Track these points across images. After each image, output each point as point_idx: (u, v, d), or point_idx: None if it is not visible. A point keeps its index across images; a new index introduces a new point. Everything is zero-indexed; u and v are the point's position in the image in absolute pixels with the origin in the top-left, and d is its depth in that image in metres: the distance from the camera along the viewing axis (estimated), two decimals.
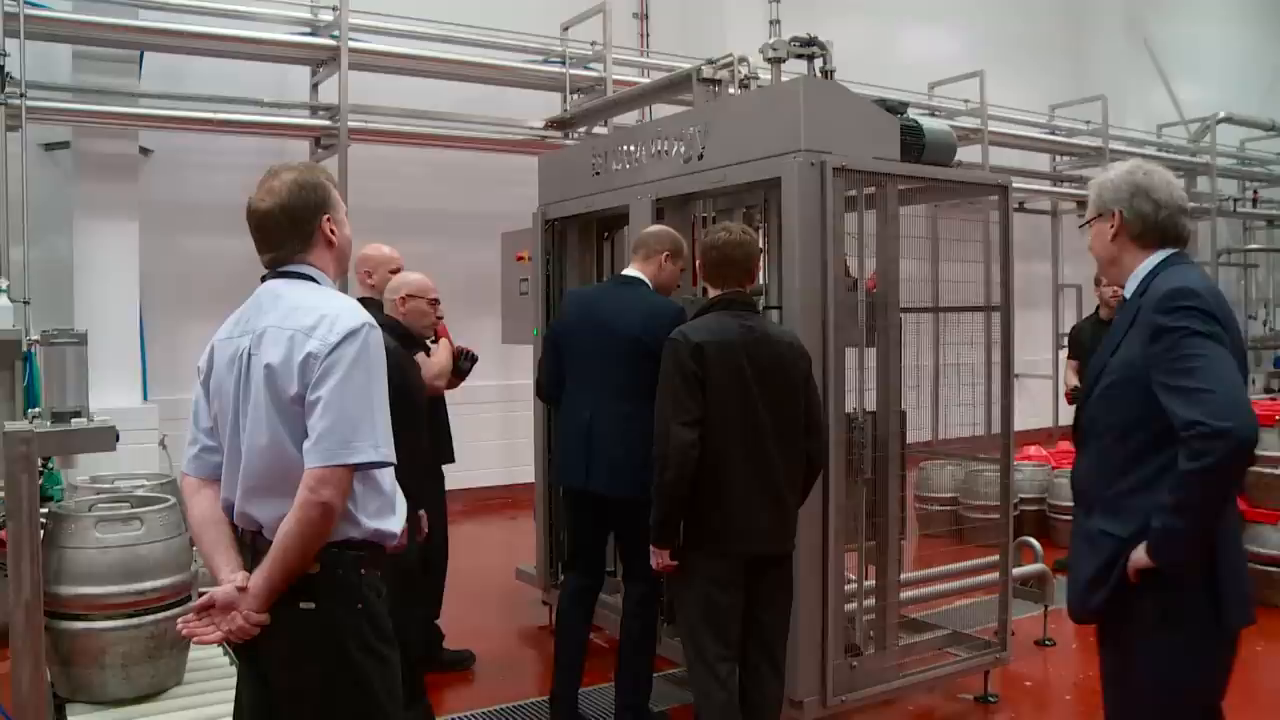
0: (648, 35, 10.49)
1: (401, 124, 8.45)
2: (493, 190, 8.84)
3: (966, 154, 9.96)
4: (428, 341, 4.60)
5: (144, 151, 7.72)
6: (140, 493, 4.17)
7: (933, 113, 10.93)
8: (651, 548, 3.34)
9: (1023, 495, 7.64)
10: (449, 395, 4.91)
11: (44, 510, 3.72)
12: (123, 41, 7.30)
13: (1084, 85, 12.95)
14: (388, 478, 2.41)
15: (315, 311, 2.29)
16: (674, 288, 4.24)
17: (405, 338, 4.04)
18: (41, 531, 3.63)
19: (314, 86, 8.31)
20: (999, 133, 11.70)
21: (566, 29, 9.20)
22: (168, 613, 3.73)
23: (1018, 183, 11.29)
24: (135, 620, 3.68)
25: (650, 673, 4.09)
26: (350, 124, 7.93)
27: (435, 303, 4.44)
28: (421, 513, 3.88)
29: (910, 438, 4.45)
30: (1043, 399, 12.36)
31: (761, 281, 4.31)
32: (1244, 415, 2.28)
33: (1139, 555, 2.42)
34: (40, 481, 3.82)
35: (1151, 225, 2.61)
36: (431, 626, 4.96)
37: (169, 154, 8.03)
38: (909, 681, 4.27)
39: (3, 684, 3.72)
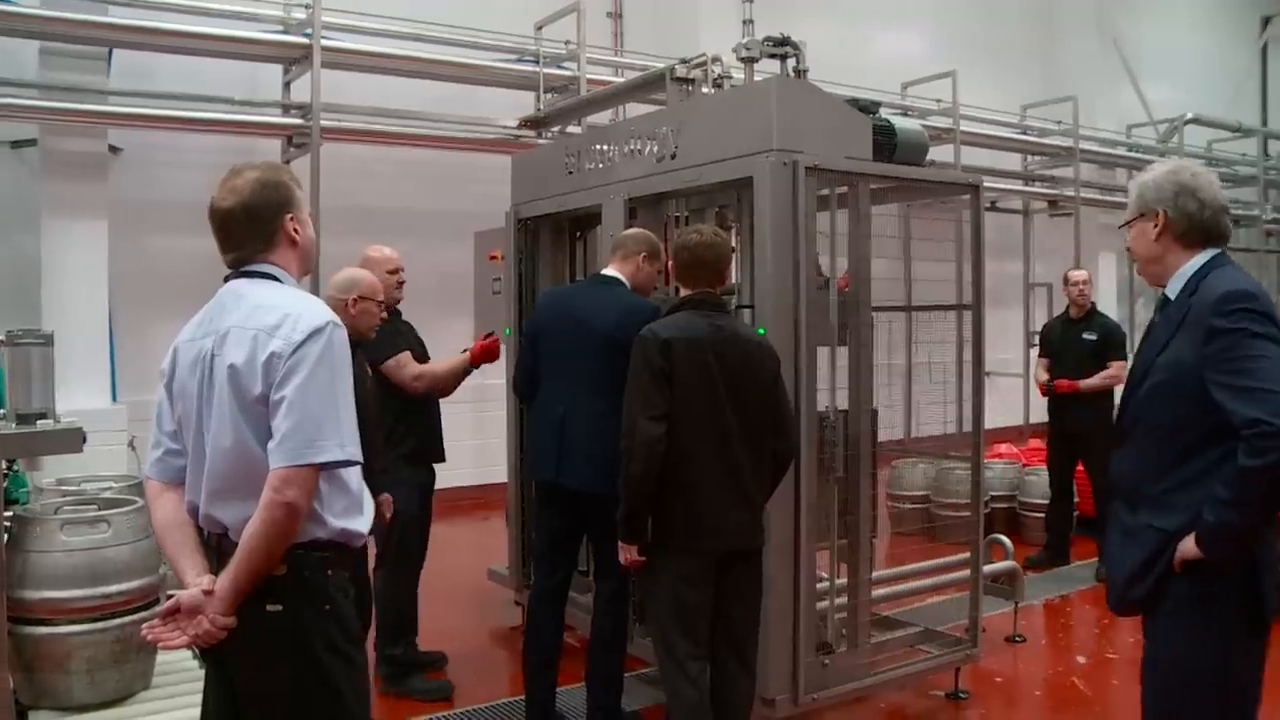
0: (621, 34, 10.49)
1: (374, 123, 8.40)
2: (466, 189, 8.81)
3: (939, 153, 10.03)
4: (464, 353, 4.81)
5: (113, 150, 7.63)
6: (108, 494, 4.09)
7: (905, 112, 10.96)
8: (619, 543, 3.31)
9: (994, 493, 7.69)
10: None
11: (8, 513, 3.67)
12: (91, 38, 7.21)
13: (1054, 86, 13.06)
14: (354, 477, 2.39)
15: (278, 310, 2.28)
16: (652, 289, 4.22)
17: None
18: (5, 535, 3.57)
19: (286, 85, 8.25)
20: (971, 132, 11.76)
21: (540, 28, 9.18)
22: (134, 616, 3.65)
23: (989, 182, 11.60)
24: (101, 624, 3.62)
25: (621, 672, 4.05)
26: (323, 123, 7.88)
27: (395, 273, 4.53)
28: (385, 496, 3.93)
29: (882, 436, 4.50)
30: (1013, 397, 12.47)
31: (734, 280, 4.31)
32: None
33: (1188, 547, 2.48)
34: (5, 484, 3.77)
35: (1196, 224, 2.64)
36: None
37: (138, 152, 7.94)
38: (880, 679, 4.26)
39: None
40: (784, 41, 4.65)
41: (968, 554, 4.67)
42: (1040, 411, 8.03)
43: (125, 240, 7.61)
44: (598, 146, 4.98)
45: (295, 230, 2.41)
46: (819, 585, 4.04)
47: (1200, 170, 2.71)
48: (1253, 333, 2.41)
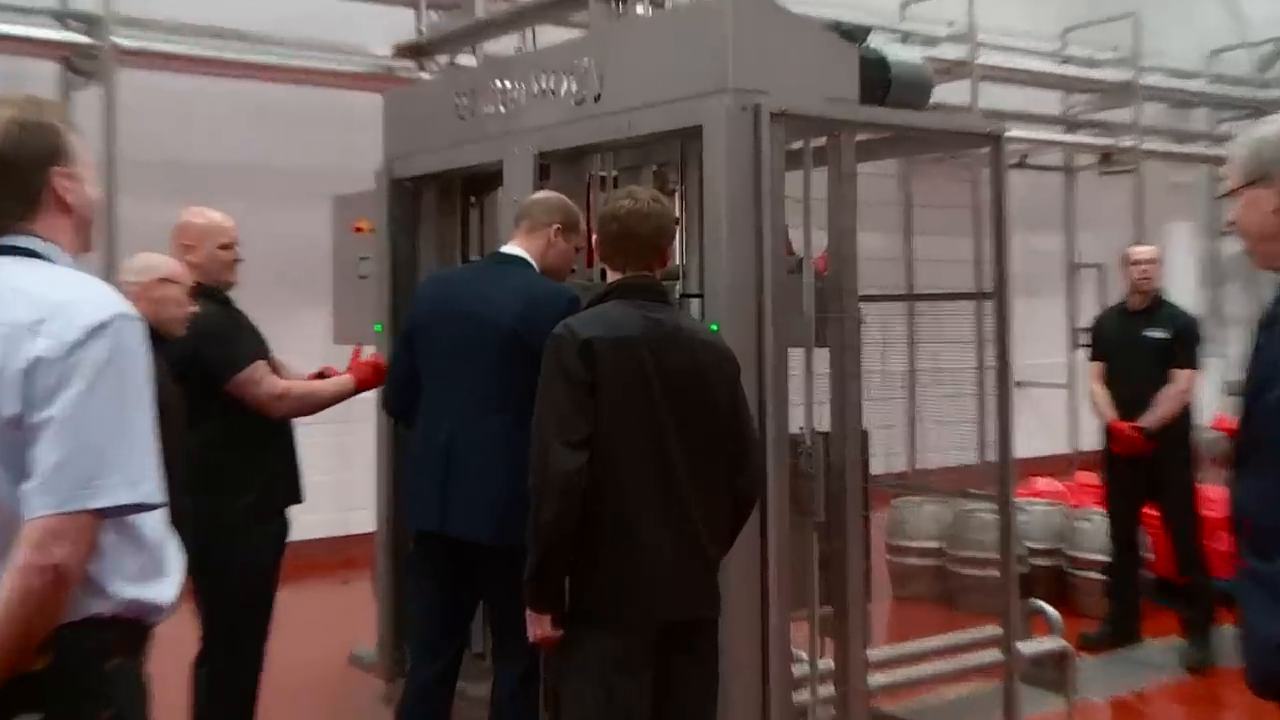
0: None
1: (194, 45, 8.28)
2: (323, 138, 8.85)
3: (949, 93, 9.86)
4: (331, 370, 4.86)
5: None
6: None
7: (904, 39, 10.90)
8: (528, 614, 3.30)
9: (1031, 545, 7.59)
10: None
11: None
12: None
13: (1108, 0, 12.79)
14: (153, 525, 2.30)
15: (45, 300, 2.18)
16: (567, 271, 4.27)
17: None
18: None
19: None
20: (993, 65, 11.63)
21: None
22: None
23: (1017, 130, 11.43)
24: None
25: None
26: (120, 41, 7.77)
27: (228, 248, 4.58)
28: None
29: (877, 467, 4.45)
30: (1055, 415, 12.34)
31: (677, 262, 4.37)
32: None
33: None
34: None
35: None
36: None
37: None
38: None
39: None
40: None
41: (997, 628, 4.62)
42: (1093, 435, 8.00)
43: None
44: (498, 84, 4.98)
45: (66, 189, 2.34)
46: (795, 668, 4.01)
47: None
48: None
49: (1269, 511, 2.59)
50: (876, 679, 4.67)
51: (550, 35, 7.30)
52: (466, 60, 8.69)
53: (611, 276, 3.52)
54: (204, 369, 4.29)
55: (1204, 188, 13.95)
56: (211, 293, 4.49)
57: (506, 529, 3.67)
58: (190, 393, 3.94)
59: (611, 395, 3.25)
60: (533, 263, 4.13)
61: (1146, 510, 7.14)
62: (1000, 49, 11.96)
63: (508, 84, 4.95)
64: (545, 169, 4.75)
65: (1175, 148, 13.32)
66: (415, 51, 8.57)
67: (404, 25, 9.03)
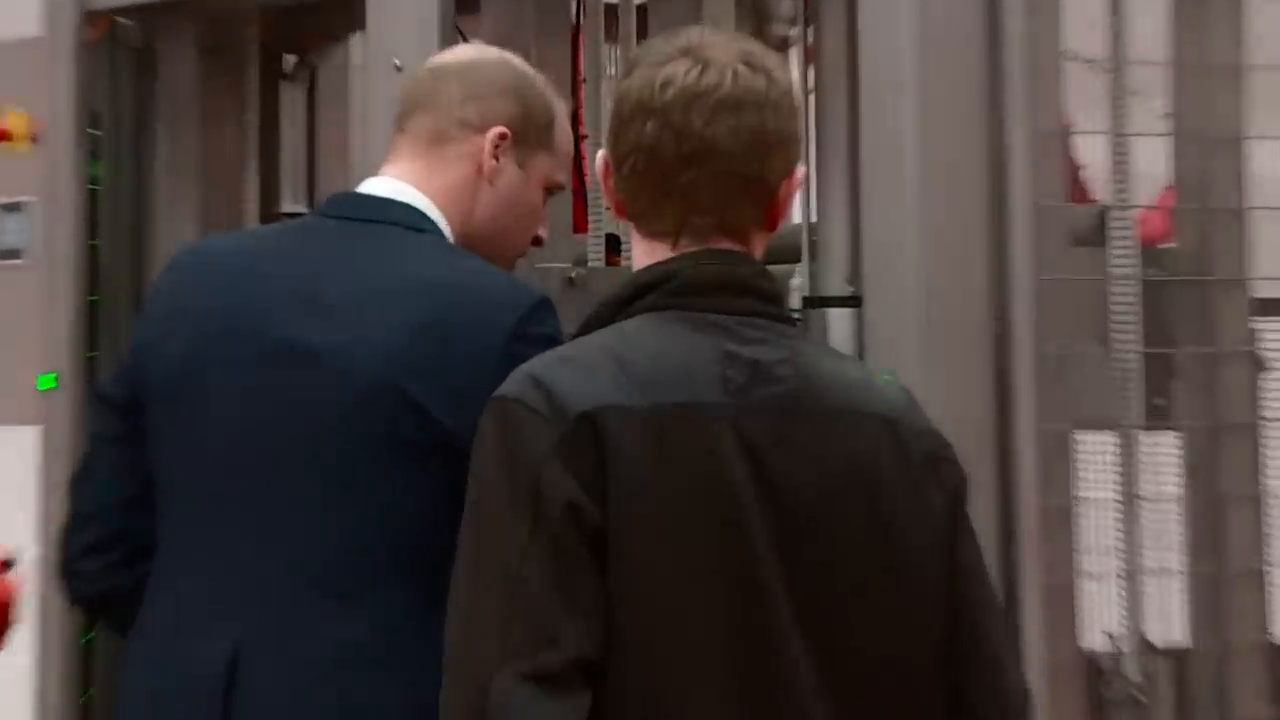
0: None
1: None
2: None
3: None
4: None
5: None
6: None
7: None
8: None
9: None
10: None
11: None
12: None
13: None
14: None
15: None
16: (525, 242, 3.07)
17: None
18: None
19: None
20: None
21: None
22: None
23: None
24: None
25: None
26: None
27: None
28: None
29: None
30: None
31: (798, 221, 3.40)
32: None
33: None
34: None
35: None
36: None
37: None
38: None
39: None
40: None
41: None
42: None
43: None
44: None
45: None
46: None
47: None
48: None
49: None
50: None
51: None
52: None
53: (642, 254, 2.44)
54: None
55: None
56: None
57: None
58: None
59: (647, 552, 2.22)
60: (438, 219, 2.92)
61: None
62: None
63: None
64: None
65: None
66: None
67: None
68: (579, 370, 2.21)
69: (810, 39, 3.60)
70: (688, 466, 2.19)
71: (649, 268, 2.30)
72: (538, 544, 2.11)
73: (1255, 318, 3.43)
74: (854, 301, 3.29)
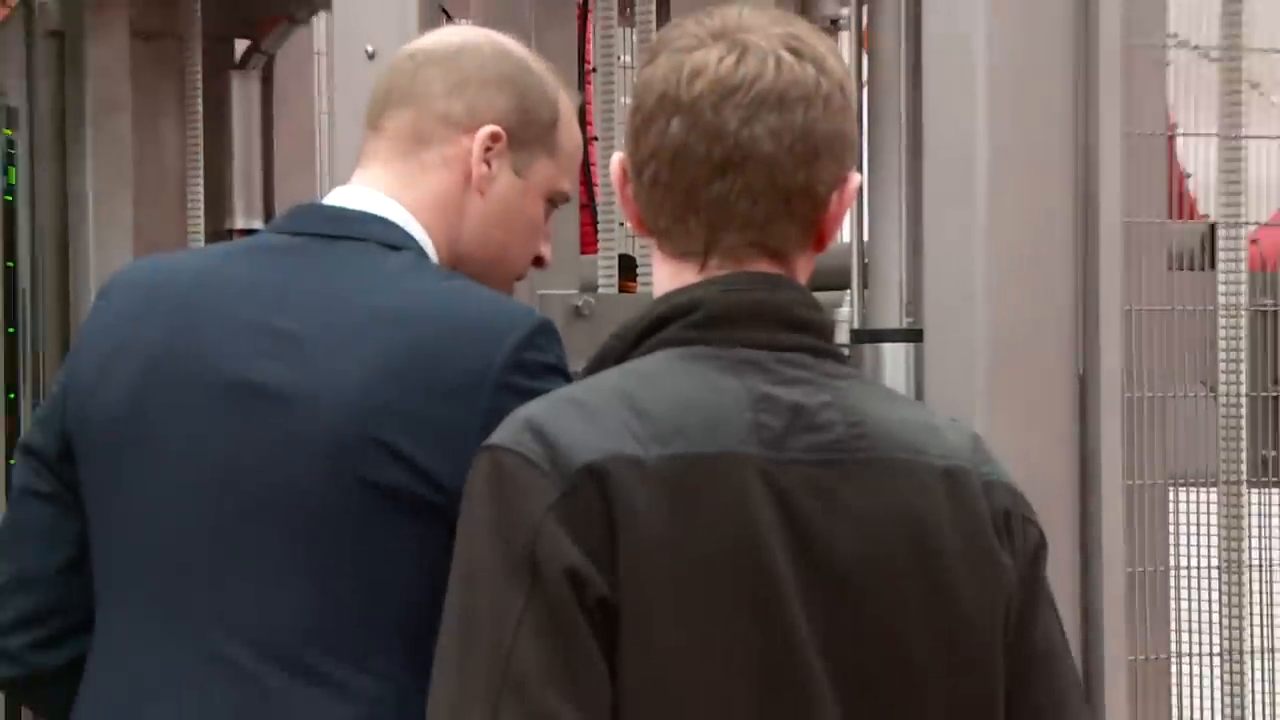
0: None
1: None
2: None
3: None
4: None
5: None
6: None
7: None
8: None
9: None
10: None
11: None
12: None
13: None
14: None
15: None
16: (524, 263, 3.04)
17: None
18: None
19: None
20: None
21: None
22: None
23: None
24: None
25: None
26: None
27: None
28: None
29: None
30: None
31: (848, 240, 3.49)
32: None
33: None
34: None
35: None
36: None
37: None
38: None
39: None
40: None
41: None
42: None
43: None
44: None
45: None
46: None
47: None
48: None
49: None
50: None
51: None
52: None
53: (665, 277, 2.40)
54: None
55: None
56: None
57: None
58: None
59: (665, 634, 2.16)
60: (418, 234, 2.90)
61: None
62: None
63: None
64: None
65: None
66: None
67: None
68: (585, 415, 2.13)
69: (864, 20, 3.53)
70: (712, 530, 2.12)
71: (670, 295, 2.22)
72: (533, 618, 2.05)
73: None
74: (913, 335, 3.23)
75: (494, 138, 2.72)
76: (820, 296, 2.76)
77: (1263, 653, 3.53)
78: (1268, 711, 3.63)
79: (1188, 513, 3.54)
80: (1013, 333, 3.07)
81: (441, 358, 2.56)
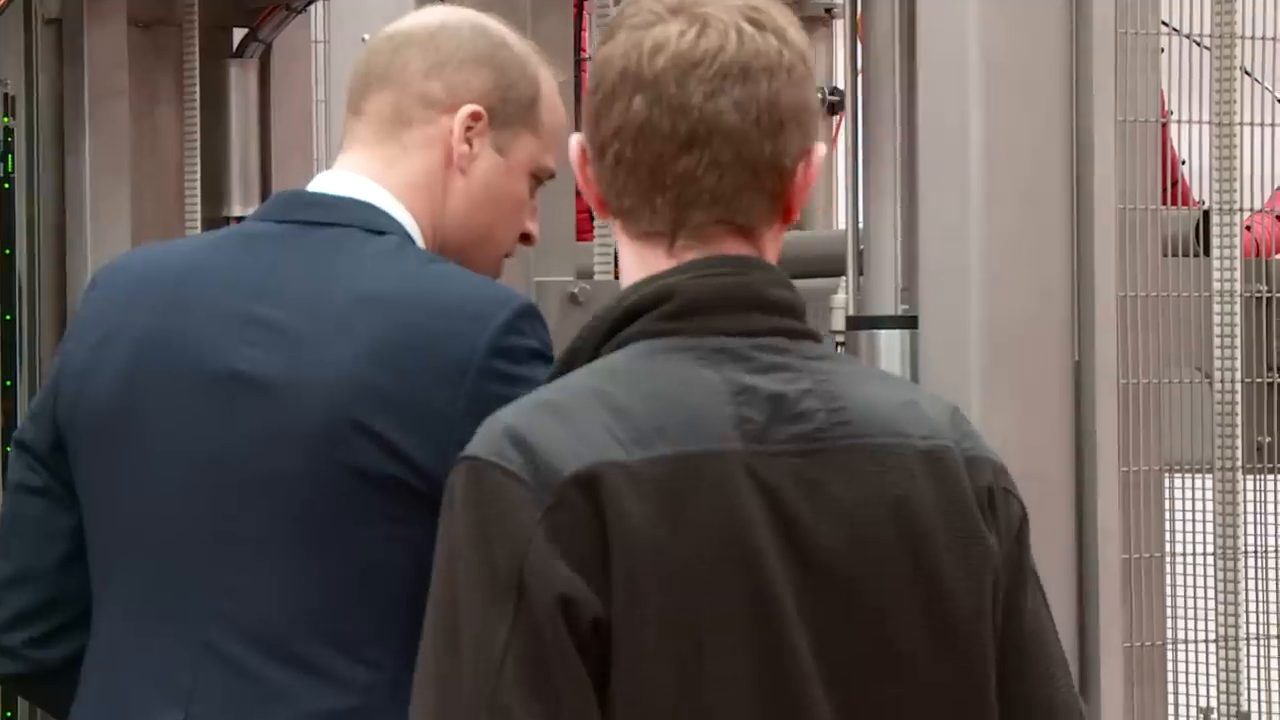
0: None
1: None
2: None
3: None
4: None
5: None
6: None
7: None
8: None
9: None
10: None
11: None
12: None
13: None
14: None
15: None
16: (509, 244, 2.96)
17: None
18: None
19: None
20: None
21: None
22: None
23: None
24: None
25: None
26: None
27: None
28: None
29: None
30: None
31: (843, 227, 3.91)
32: None
33: None
34: None
35: None
36: None
37: None
38: None
39: None
40: None
41: None
42: None
43: None
44: None
45: None
46: None
47: None
48: None
49: None
50: None
51: None
52: None
53: (632, 262, 2.27)
54: None
55: None
56: None
57: None
58: None
59: (663, 645, 1.99)
60: (403, 218, 2.85)
61: None
62: None
63: None
64: None
65: None
66: None
67: None
68: (564, 420, 1.95)
69: (859, 8, 3.53)
70: (702, 533, 1.93)
71: (640, 285, 2.01)
72: (519, 646, 1.86)
73: None
74: (908, 322, 3.24)
75: (474, 117, 2.66)
76: (816, 283, 2.96)
77: (1258, 639, 3.53)
78: (1263, 697, 3.67)
79: (1183, 499, 3.53)
80: (1008, 319, 3.09)
81: (425, 343, 2.53)
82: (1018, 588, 2.14)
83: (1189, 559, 3.53)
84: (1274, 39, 3.66)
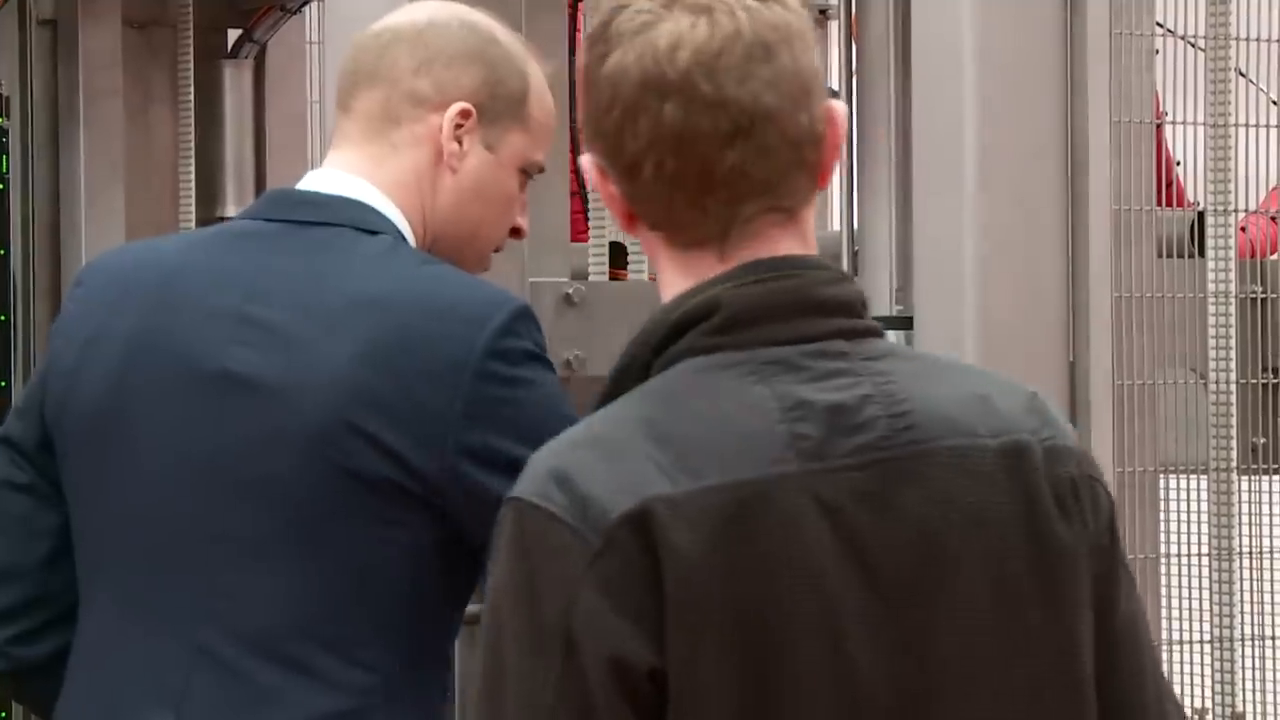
0: None
1: None
2: None
3: None
4: None
5: None
6: None
7: None
8: None
9: None
10: None
11: None
12: None
13: None
14: None
15: None
16: (496, 241, 2.88)
17: None
18: None
19: None
20: None
21: None
22: None
23: None
24: None
25: None
26: None
27: None
28: None
29: None
30: None
31: (837, 228, 3.95)
32: None
33: None
34: None
35: None
36: None
37: None
38: None
39: None
40: None
41: None
42: None
43: None
44: None
45: None
46: None
47: None
48: None
49: None
50: None
51: None
52: None
53: (675, 273, 2.06)
54: None
55: None
56: None
57: None
58: None
59: (722, 697, 1.91)
60: (394, 217, 2.79)
61: None
62: None
63: None
64: None
65: None
66: None
67: None
68: (609, 455, 1.85)
69: (854, 9, 3.57)
70: (762, 564, 1.80)
71: (683, 298, 1.95)
72: (566, 709, 2.00)
73: None
74: (903, 323, 3.26)
75: (464, 114, 2.58)
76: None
77: (1253, 639, 3.53)
78: (1258, 698, 3.66)
79: (1178, 500, 3.51)
80: (1002, 320, 3.08)
81: (420, 345, 2.47)
82: (1113, 580, 1.94)
83: (1184, 560, 3.50)
84: (1268, 40, 3.64)
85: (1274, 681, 3.64)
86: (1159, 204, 3.43)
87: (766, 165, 1.85)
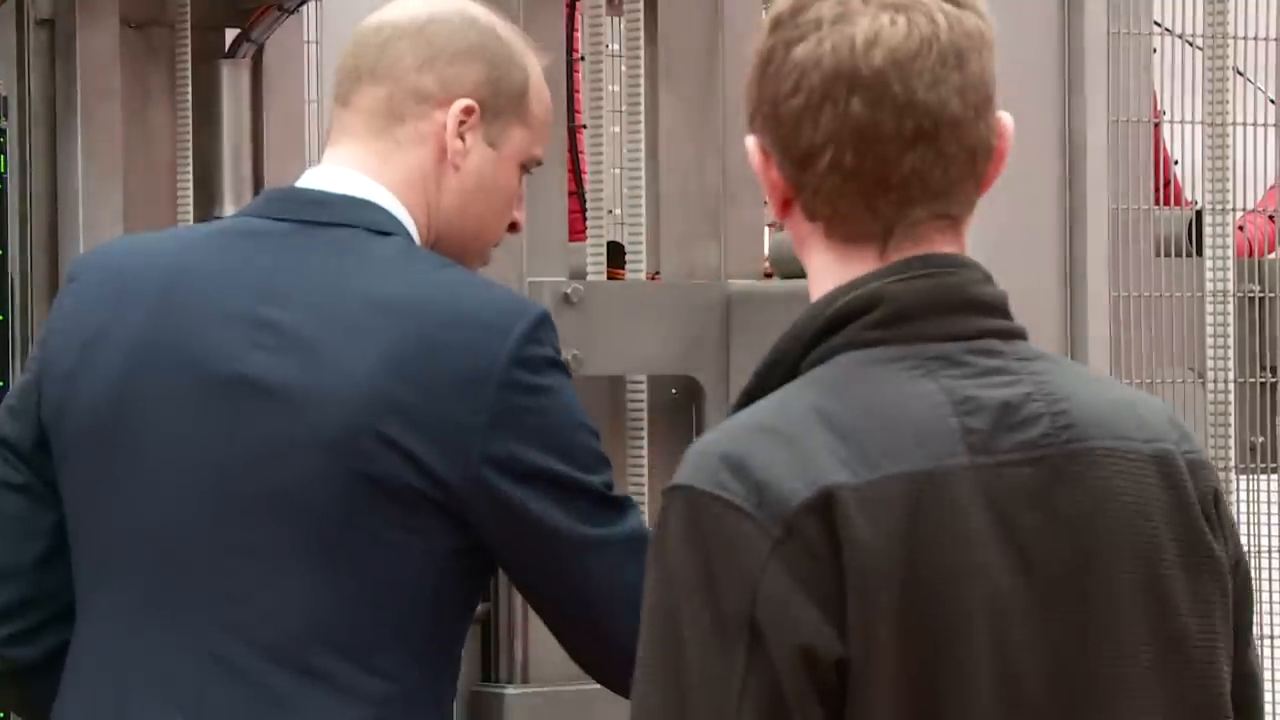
0: None
1: None
2: None
3: None
4: None
5: None
6: None
7: None
8: None
9: None
10: None
11: None
12: None
13: None
14: None
15: None
16: (494, 237, 2.98)
17: None
18: None
19: None
20: None
21: None
22: None
23: None
24: None
25: None
26: None
27: None
28: None
29: None
30: None
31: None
32: None
33: None
34: None
35: None
36: None
37: None
38: None
39: None
40: None
41: None
42: None
43: None
44: None
45: None
46: None
47: None
48: None
49: None
50: None
51: None
52: None
53: (828, 266, 2.10)
54: None
55: None
56: None
57: None
58: None
59: (903, 688, 1.98)
60: (404, 218, 2.82)
61: None
62: None
63: None
64: None
65: None
66: None
67: None
68: (783, 443, 1.81)
69: None
70: (938, 555, 1.77)
71: (841, 291, 1.84)
72: (754, 697, 1.86)
73: None
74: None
75: (467, 111, 2.70)
76: (803, 284, 2.70)
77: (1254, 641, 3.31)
78: None
79: None
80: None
81: (445, 352, 2.55)
82: (1245, 597, 2.04)
83: None
84: (1266, 39, 3.67)
85: (1272, 680, 3.48)
86: (1157, 203, 3.42)
87: (943, 172, 1.88)
